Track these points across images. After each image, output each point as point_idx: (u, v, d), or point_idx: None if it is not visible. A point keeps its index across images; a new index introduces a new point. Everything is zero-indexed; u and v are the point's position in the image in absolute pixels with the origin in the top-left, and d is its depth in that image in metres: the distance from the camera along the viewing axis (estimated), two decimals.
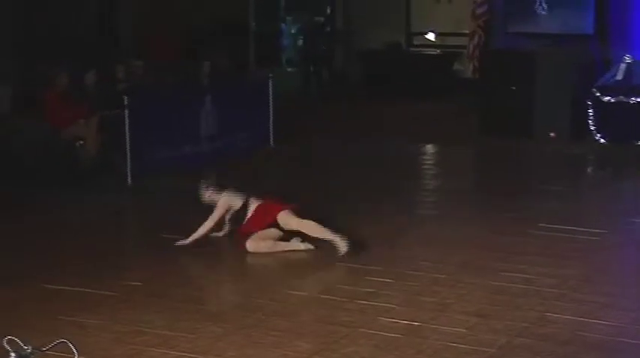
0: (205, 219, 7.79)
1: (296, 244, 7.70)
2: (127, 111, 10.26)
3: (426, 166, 12.24)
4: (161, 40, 14.28)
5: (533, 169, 11.91)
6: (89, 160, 10.67)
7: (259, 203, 7.83)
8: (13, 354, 3.02)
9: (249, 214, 7.77)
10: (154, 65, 12.88)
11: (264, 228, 7.68)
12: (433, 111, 15.11)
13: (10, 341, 3.04)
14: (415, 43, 18.23)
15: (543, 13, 13.86)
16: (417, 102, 15.49)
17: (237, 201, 7.85)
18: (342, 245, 7.43)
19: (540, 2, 13.81)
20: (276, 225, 7.67)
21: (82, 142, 10.72)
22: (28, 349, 3.06)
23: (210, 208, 7.85)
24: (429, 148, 13.16)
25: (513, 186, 10.44)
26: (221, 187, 7.91)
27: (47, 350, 3.14)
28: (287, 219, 7.66)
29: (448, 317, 6.17)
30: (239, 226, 7.83)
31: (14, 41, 12.21)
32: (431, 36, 17.63)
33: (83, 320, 6.14)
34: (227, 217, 7.88)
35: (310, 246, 7.64)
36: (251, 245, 7.63)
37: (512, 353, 5.58)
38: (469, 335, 5.84)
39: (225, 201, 7.82)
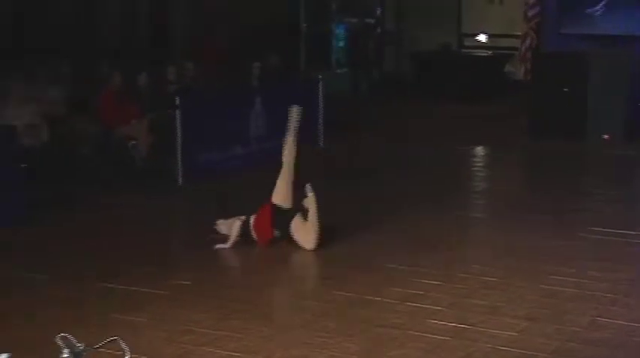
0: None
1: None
2: (178, 113, 10.36)
3: (476, 168, 12.17)
4: (212, 41, 14.36)
5: (585, 172, 11.78)
6: (141, 161, 10.79)
7: (255, 215, 8.00)
8: (65, 351, 3.07)
9: (253, 226, 7.94)
10: (204, 67, 12.97)
11: (271, 227, 7.86)
12: (484, 113, 15.02)
13: (63, 338, 3.09)
14: (466, 44, 18.15)
15: (597, 14, 13.70)
16: (468, 104, 15.40)
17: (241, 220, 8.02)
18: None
19: (595, 3, 13.65)
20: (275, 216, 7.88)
21: (134, 143, 10.82)
22: (81, 346, 3.11)
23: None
24: (479, 150, 13.08)
25: (565, 189, 10.33)
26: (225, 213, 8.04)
27: (99, 347, 3.18)
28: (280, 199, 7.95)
29: (498, 320, 6.13)
30: (255, 239, 7.96)
31: (69, 42, 12.38)
32: (482, 37, 17.53)
33: (134, 318, 6.22)
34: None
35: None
36: (310, 241, 7.74)
37: None
38: (519, 339, 5.80)
39: (238, 225, 7.94)
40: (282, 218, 7.89)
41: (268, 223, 7.89)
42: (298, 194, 7.96)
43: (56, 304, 6.53)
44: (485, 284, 6.89)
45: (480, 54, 17.48)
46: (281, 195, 7.99)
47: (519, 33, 14.95)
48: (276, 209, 7.92)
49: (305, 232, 7.80)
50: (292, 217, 7.85)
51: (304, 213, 7.85)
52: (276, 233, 7.92)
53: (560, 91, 13.08)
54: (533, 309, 6.33)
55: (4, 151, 8.81)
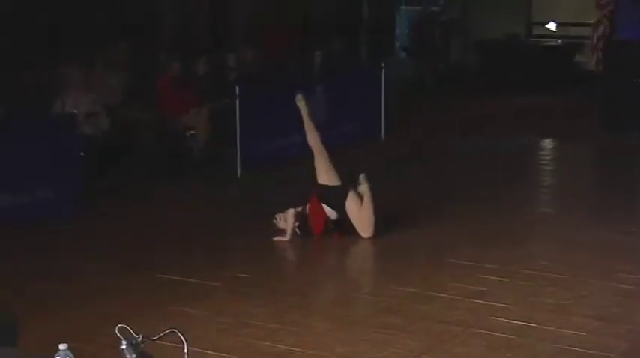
0: None
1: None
2: (237, 101, 10.40)
3: (543, 162, 12.01)
4: (274, 28, 14.40)
5: None
6: (199, 150, 10.86)
7: (308, 205, 8.02)
8: (124, 342, 3.11)
9: (308, 216, 7.98)
10: (265, 54, 13.01)
11: (325, 218, 7.88)
12: (552, 105, 14.81)
13: (121, 329, 3.12)
14: (535, 33, 17.90)
15: None
16: (536, 96, 15.21)
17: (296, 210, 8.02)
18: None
19: None
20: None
21: (192, 132, 10.90)
22: (139, 337, 3.14)
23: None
24: (548, 143, 12.90)
25: (637, 183, 10.14)
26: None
27: (157, 339, 3.21)
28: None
29: (566, 319, 6.04)
30: (311, 229, 7.98)
31: (126, 28, 12.51)
32: (552, 26, 17.28)
33: (190, 310, 6.27)
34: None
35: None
36: (366, 230, 7.72)
37: None
38: (588, 338, 5.71)
39: (292, 214, 7.95)
40: (334, 196, 7.86)
41: (320, 211, 7.86)
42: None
43: (114, 295, 6.61)
44: (553, 282, 6.79)
45: (549, 43, 17.24)
46: (324, 175, 7.99)
47: (591, 21, 14.70)
48: (325, 189, 7.90)
49: (360, 220, 7.78)
50: (346, 193, 7.85)
51: (357, 190, 7.84)
52: (333, 214, 7.88)
53: (633, 82, 12.83)
54: (603, 308, 6.22)
55: (65, 140, 8.95)
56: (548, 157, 12.44)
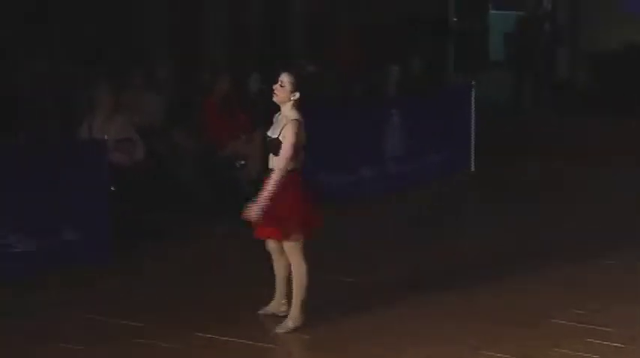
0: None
1: None
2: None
3: None
4: (341, 40, 14.52)
5: None
6: (249, 184, 10.92)
7: None
8: None
9: None
10: (331, 70, 13.11)
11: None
12: None
13: None
14: None
15: None
16: None
17: None
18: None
19: None
20: None
21: (242, 162, 10.99)
22: None
23: None
24: None
25: None
26: None
27: None
28: None
29: None
30: None
31: (169, 44, 12.77)
32: None
33: None
34: None
35: None
36: None
37: None
38: None
39: None
40: None
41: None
42: None
43: (155, 357, 6.69)
44: None
45: None
46: None
47: None
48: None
49: None
50: None
51: None
52: None
53: None
54: None
55: (91, 171, 8.99)
56: None
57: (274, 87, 7.23)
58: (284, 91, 7.18)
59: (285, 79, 7.20)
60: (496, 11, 19.06)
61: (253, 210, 7.10)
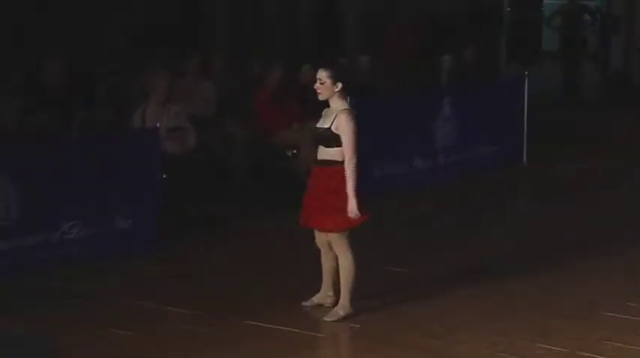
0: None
1: None
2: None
3: None
4: (394, 30, 14.49)
5: None
6: (302, 174, 10.93)
7: None
8: None
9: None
10: (384, 61, 13.09)
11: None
12: None
13: None
14: None
15: None
16: None
17: None
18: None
19: None
20: None
21: (294, 151, 11.02)
22: None
23: None
24: None
25: None
26: None
27: None
28: None
29: None
30: None
31: (223, 33, 12.84)
32: None
33: None
34: None
35: None
36: None
37: None
38: None
39: None
40: None
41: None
42: None
43: (204, 344, 6.80)
44: None
45: None
46: None
47: None
48: None
49: None
50: None
51: None
52: None
53: None
54: None
55: (143, 159, 9.08)
56: None
57: (315, 87, 7.27)
58: (325, 87, 7.22)
59: (322, 75, 7.24)
60: (551, 1, 18.87)
61: (351, 207, 7.10)
